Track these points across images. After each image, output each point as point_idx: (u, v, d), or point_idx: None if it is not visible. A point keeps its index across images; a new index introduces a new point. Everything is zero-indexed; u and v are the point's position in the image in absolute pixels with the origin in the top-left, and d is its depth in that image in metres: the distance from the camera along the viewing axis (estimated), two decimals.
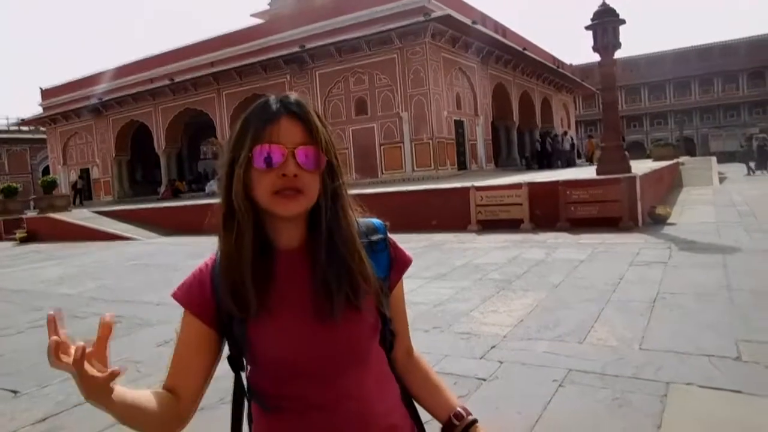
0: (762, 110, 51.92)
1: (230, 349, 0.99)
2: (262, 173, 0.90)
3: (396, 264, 1.04)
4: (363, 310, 0.95)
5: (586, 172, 13.03)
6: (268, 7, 37.15)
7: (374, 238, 1.02)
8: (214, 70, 24.37)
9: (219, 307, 0.95)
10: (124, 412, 0.82)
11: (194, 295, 0.96)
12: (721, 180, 20.28)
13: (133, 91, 27.45)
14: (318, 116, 0.94)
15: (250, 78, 23.64)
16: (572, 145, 24.67)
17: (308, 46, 21.29)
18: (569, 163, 23.52)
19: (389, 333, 1.03)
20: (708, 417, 2.63)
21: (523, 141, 28.21)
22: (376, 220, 1.06)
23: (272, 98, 0.95)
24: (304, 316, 0.93)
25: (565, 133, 26.28)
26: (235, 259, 0.93)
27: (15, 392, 3.55)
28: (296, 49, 21.54)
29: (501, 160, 26.91)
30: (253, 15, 35.70)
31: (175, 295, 0.98)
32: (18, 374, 3.92)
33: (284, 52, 22.02)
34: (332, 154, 0.94)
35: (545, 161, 24.08)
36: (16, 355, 4.46)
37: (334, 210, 0.95)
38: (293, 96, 0.95)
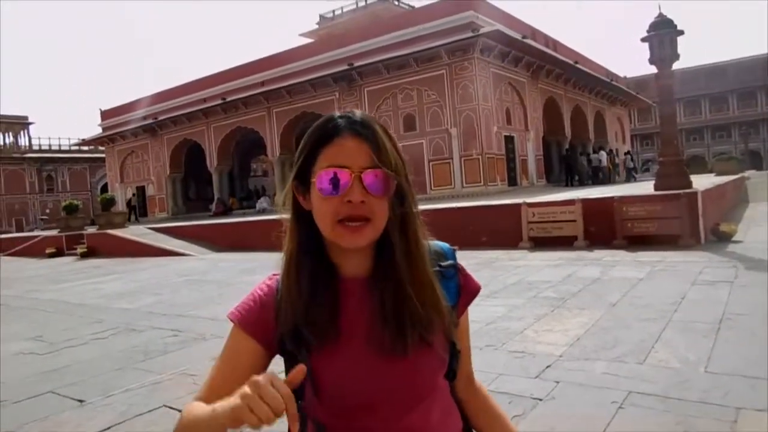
0: None
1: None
2: (324, 199, 0.84)
3: (465, 292, 0.98)
4: (434, 345, 0.89)
5: (643, 187, 12.62)
6: (316, 27, 38.03)
7: (444, 264, 0.96)
8: (265, 89, 25.01)
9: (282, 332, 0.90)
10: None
11: (253, 317, 0.91)
12: None
13: (187, 110, 28.46)
14: (387, 133, 0.88)
15: (300, 96, 24.12)
16: (596, 161, 24.40)
17: (356, 63, 21.62)
18: (593, 180, 23.60)
19: (455, 363, 0.98)
20: None
21: (576, 155, 27.65)
22: (443, 244, 0.99)
23: (336, 116, 0.88)
24: (372, 348, 0.87)
25: (592, 151, 26.02)
26: (295, 293, 0.89)
27: (81, 401, 3.67)
28: (345, 67, 21.89)
29: (553, 176, 26.41)
30: (301, 35, 36.67)
31: (232, 315, 0.92)
32: (83, 384, 4.06)
33: (333, 70, 22.41)
34: (402, 175, 0.87)
35: (569, 177, 23.95)
36: (81, 365, 4.62)
37: (405, 238, 0.88)
38: (358, 113, 0.89)
